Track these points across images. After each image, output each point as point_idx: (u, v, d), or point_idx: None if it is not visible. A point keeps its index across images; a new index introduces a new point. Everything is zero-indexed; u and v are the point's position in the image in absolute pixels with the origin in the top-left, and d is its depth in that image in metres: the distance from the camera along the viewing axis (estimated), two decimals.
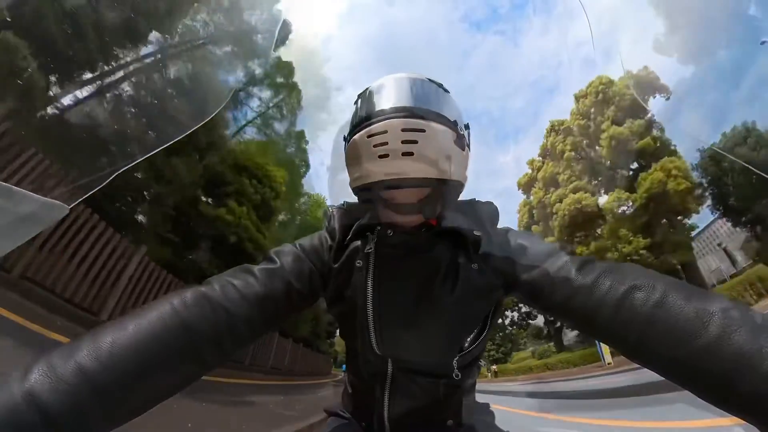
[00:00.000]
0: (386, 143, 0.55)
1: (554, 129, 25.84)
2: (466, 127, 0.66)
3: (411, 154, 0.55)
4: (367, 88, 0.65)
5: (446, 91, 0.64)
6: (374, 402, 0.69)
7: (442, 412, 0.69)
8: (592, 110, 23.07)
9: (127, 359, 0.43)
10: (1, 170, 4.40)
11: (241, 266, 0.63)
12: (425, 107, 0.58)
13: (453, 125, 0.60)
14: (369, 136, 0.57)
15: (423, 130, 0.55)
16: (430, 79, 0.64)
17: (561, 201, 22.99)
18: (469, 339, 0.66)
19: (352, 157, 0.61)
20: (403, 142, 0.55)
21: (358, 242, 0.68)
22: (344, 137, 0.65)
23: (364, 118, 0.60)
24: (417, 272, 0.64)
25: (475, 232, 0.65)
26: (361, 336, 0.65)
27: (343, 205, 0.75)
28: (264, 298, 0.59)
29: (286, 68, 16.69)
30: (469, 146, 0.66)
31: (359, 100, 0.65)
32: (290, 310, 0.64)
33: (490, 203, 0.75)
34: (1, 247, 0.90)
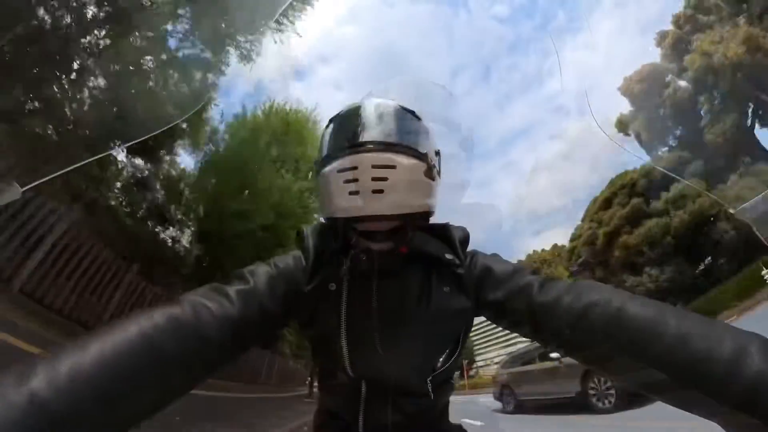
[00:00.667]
0: (356, 180, 0.55)
1: None
2: (437, 153, 0.67)
3: (381, 191, 0.55)
4: (338, 113, 0.65)
5: (419, 118, 0.65)
6: (348, 423, 0.68)
7: (417, 430, 0.68)
8: None
9: (88, 386, 0.38)
10: None
11: (212, 285, 0.60)
12: (397, 141, 0.59)
13: (424, 157, 0.60)
14: (339, 171, 0.57)
15: (394, 167, 0.56)
16: (402, 107, 0.64)
17: None
18: (441, 359, 0.66)
19: (323, 189, 0.61)
20: (373, 179, 0.55)
21: (331, 265, 0.67)
22: (315, 162, 0.66)
23: (334, 150, 0.61)
24: (390, 295, 0.64)
25: (447, 256, 0.67)
26: (333, 359, 0.65)
27: (316, 225, 0.73)
28: (238, 321, 0.55)
29: None
30: (439, 173, 0.66)
31: (330, 126, 0.66)
32: (263, 333, 0.63)
33: (462, 228, 0.75)
34: None
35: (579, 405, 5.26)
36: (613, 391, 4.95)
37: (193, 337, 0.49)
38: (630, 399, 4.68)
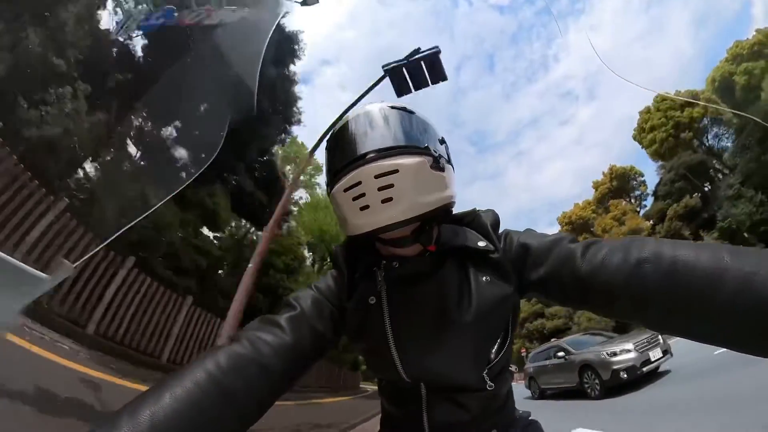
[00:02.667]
0: (363, 194, 0.55)
1: None
2: (442, 141, 0.65)
3: (390, 199, 0.54)
4: (332, 132, 0.65)
5: (411, 112, 0.63)
6: (415, 424, 0.67)
7: (483, 424, 0.66)
8: None
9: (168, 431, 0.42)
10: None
11: (264, 318, 0.63)
12: (392, 143, 0.57)
13: (425, 151, 0.59)
14: (345, 190, 0.56)
15: (396, 171, 0.54)
16: (391, 106, 0.63)
17: None
18: (494, 350, 0.63)
19: (337, 210, 0.61)
20: (379, 189, 0.54)
21: (368, 278, 0.67)
22: (326, 183, 0.65)
23: (336, 170, 0.60)
24: (430, 297, 0.62)
25: (480, 244, 0.64)
26: (387, 367, 0.64)
27: (345, 243, 0.73)
28: (294, 347, 0.58)
29: None
30: (449, 160, 0.65)
31: (328, 146, 0.65)
32: (319, 353, 0.65)
33: (491, 211, 0.72)
34: (13, 309, 1.02)
35: (578, 393, 6.65)
36: (598, 383, 6.10)
37: (256, 370, 0.53)
38: (611, 390, 5.85)
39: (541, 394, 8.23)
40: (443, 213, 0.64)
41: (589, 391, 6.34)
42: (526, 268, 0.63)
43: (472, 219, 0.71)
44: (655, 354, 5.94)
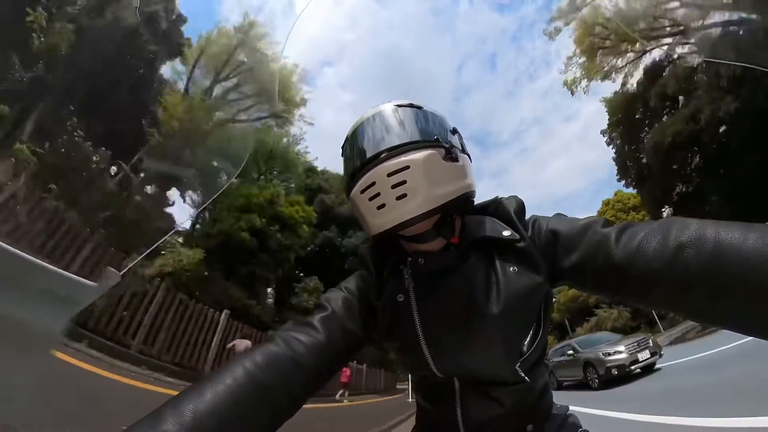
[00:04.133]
0: (378, 194, 0.56)
1: None
2: (453, 131, 0.65)
3: (405, 195, 0.55)
4: (346, 137, 0.66)
5: (418, 107, 0.63)
6: (449, 420, 0.66)
7: (519, 418, 0.65)
8: None
9: (211, 425, 0.43)
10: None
11: (297, 320, 0.64)
12: (402, 140, 0.58)
13: (436, 143, 0.58)
14: (362, 192, 0.57)
15: (407, 167, 0.55)
16: (397, 104, 0.63)
17: None
18: (526, 342, 0.61)
19: (357, 212, 0.62)
20: (392, 186, 0.55)
21: (395, 276, 0.67)
22: (345, 188, 0.66)
23: (351, 173, 0.61)
24: (457, 291, 0.61)
25: (504, 233, 0.63)
26: (420, 364, 0.63)
27: (371, 242, 0.71)
28: (327, 346, 0.60)
29: None
30: (463, 150, 0.65)
31: (343, 151, 0.66)
32: (351, 352, 0.65)
33: (515, 197, 0.70)
34: (64, 317, 0.98)
35: (584, 385, 7.77)
36: (596, 377, 7.29)
37: (291, 367, 0.54)
38: (607, 382, 6.99)
39: (559, 386, 9.39)
40: (463, 203, 0.63)
41: (590, 383, 7.50)
42: (556, 256, 0.60)
43: (496, 207, 0.69)
44: (644, 355, 6.94)
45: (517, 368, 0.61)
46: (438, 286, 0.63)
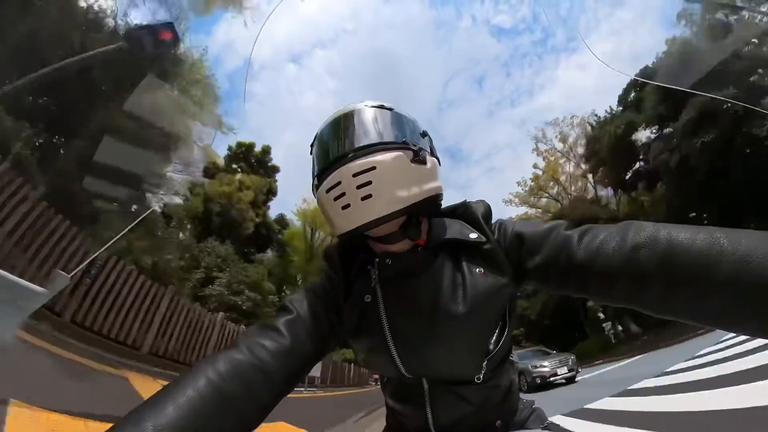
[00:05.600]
0: (343, 194, 0.55)
1: None
2: (423, 134, 0.65)
3: (369, 196, 0.54)
4: (315, 135, 0.66)
5: (389, 109, 0.63)
6: (419, 419, 0.67)
7: (488, 415, 0.66)
8: None
9: None
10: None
11: (261, 323, 0.62)
12: (370, 141, 0.58)
13: (404, 145, 0.59)
14: (327, 191, 0.57)
15: (374, 167, 0.54)
16: (369, 104, 0.63)
17: None
18: (492, 341, 0.63)
19: (322, 211, 0.62)
20: (357, 187, 0.54)
21: (362, 277, 0.67)
22: (312, 187, 0.66)
23: (318, 172, 0.61)
24: (424, 291, 0.62)
25: (471, 236, 0.64)
26: (388, 365, 0.64)
27: (338, 242, 0.72)
28: (292, 350, 0.58)
29: None
30: (432, 153, 0.65)
31: (312, 150, 0.66)
32: (318, 354, 0.64)
33: (482, 201, 0.71)
34: (10, 324, 0.98)
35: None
36: (526, 383, 9.07)
37: (256, 375, 0.52)
38: (534, 388, 8.74)
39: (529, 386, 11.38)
40: (431, 206, 0.64)
41: (522, 387, 8.96)
42: (521, 257, 0.62)
43: (464, 211, 0.70)
44: (563, 371, 8.89)
45: (484, 366, 0.62)
46: (405, 287, 0.63)
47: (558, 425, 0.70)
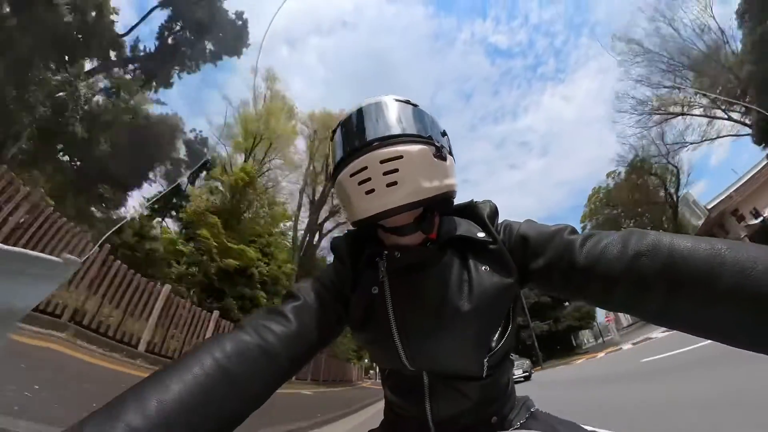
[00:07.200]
0: (369, 179, 0.56)
1: None
2: (443, 134, 0.66)
3: (395, 183, 0.55)
4: (340, 121, 0.66)
5: (414, 105, 0.64)
6: (418, 413, 0.67)
7: (485, 410, 0.67)
8: None
9: (178, 417, 0.40)
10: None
11: (269, 308, 0.63)
12: (397, 132, 0.59)
13: (429, 140, 0.60)
14: (351, 175, 0.57)
15: (401, 156, 0.56)
16: (396, 99, 0.64)
17: None
18: (495, 338, 0.63)
19: (342, 196, 0.62)
20: (384, 173, 0.55)
21: (370, 269, 0.67)
22: (329, 174, 0.65)
23: (342, 157, 0.61)
24: (431, 286, 0.62)
25: (479, 235, 0.65)
26: (391, 357, 0.64)
27: (349, 233, 0.73)
28: (297, 335, 0.59)
29: None
30: (450, 152, 0.66)
31: (334, 136, 0.66)
32: (322, 342, 0.65)
33: (489, 201, 0.72)
34: (27, 303, 0.97)
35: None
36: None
37: (262, 356, 0.53)
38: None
39: None
40: (444, 202, 0.66)
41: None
42: (525, 259, 0.63)
43: (471, 210, 0.71)
44: (518, 372, 12.45)
45: (485, 363, 0.63)
46: (412, 280, 0.64)
47: (545, 412, 0.73)
